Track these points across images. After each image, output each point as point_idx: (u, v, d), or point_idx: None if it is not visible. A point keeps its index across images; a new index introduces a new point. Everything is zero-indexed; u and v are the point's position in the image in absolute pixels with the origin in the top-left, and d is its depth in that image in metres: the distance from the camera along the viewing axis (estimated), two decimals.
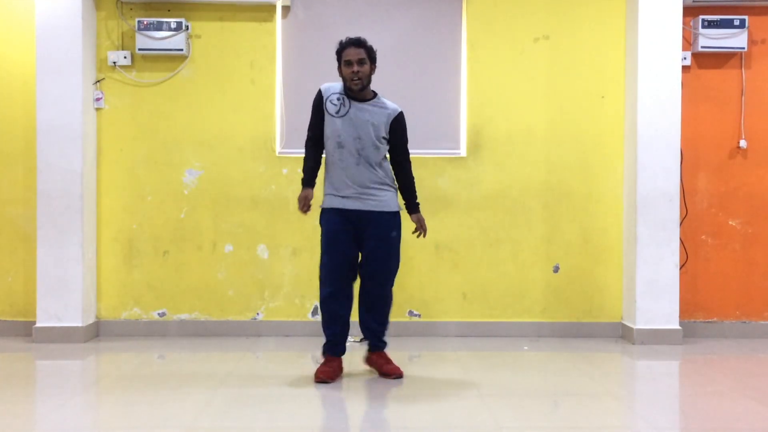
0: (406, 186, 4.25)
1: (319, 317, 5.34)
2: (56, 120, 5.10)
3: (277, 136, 5.43)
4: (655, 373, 4.65)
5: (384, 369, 4.21)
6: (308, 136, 4.20)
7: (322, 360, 4.22)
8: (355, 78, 4.01)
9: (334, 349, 4.18)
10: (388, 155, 4.22)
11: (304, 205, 4.08)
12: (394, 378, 4.17)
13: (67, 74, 5.10)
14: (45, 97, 5.11)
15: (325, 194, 4.15)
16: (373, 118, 4.07)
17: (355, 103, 4.08)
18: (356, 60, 4.01)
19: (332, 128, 4.07)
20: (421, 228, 4.25)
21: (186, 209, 5.39)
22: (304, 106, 5.43)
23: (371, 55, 4.08)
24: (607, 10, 5.42)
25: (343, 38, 4.10)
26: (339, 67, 4.10)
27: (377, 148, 4.07)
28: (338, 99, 4.09)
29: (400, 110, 4.17)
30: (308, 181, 4.13)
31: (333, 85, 4.17)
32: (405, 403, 3.79)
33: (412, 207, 4.26)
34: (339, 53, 4.09)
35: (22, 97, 5.32)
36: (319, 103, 4.14)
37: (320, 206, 4.19)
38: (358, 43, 4.06)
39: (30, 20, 5.22)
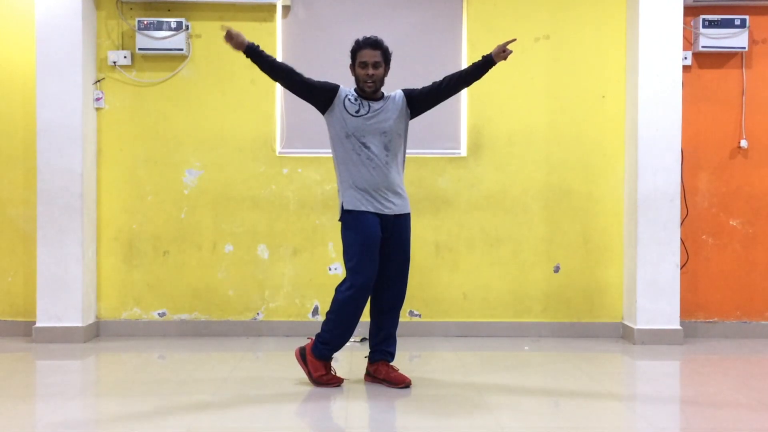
0: (463, 71, 4.05)
1: (319, 317, 5.35)
2: (56, 120, 5.10)
3: (277, 136, 5.43)
4: (656, 373, 4.65)
5: (392, 376, 4.05)
6: (302, 76, 3.97)
7: (318, 362, 4.02)
8: (369, 81, 3.93)
9: (331, 354, 4.08)
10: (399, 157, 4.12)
11: (235, 36, 3.85)
12: (402, 387, 4.00)
13: (67, 74, 5.10)
14: (45, 97, 5.10)
15: (354, 195, 3.95)
16: (392, 113, 3.99)
17: (371, 104, 3.99)
18: (372, 63, 3.93)
19: (353, 126, 3.93)
20: (504, 48, 3.97)
21: (186, 209, 5.39)
22: (304, 106, 5.41)
23: (387, 57, 4.00)
24: (607, 9, 5.42)
25: (360, 37, 4.00)
26: (352, 66, 4.01)
27: (400, 136, 4.02)
28: (356, 99, 3.99)
29: (401, 90, 4.09)
30: (256, 47, 3.91)
31: (347, 88, 4.07)
32: (405, 403, 3.79)
33: (486, 58, 4.02)
34: (354, 52, 3.98)
35: (22, 97, 5.31)
36: (333, 90, 3.97)
37: (346, 207, 3.96)
38: (375, 44, 3.95)
39: (30, 20, 5.22)
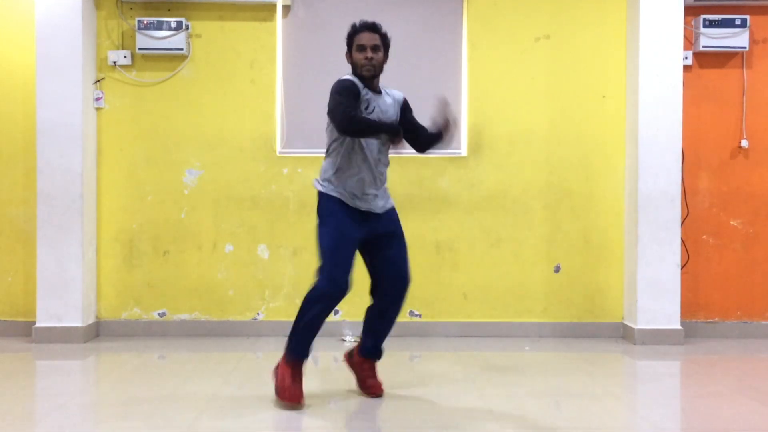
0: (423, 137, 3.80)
1: None
2: (56, 120, 5.10)
3: (278, 135, 5.43)
4: (656, 373, 4.64)
5: (368, 382, 3.85)
6: (353, 113, 3.51)
7: (286, 367, 3.65)
8: (368, 64, 3.62)
9: (305, 353, 3.69)
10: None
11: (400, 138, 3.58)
12: (373, 396, 3.82)
13: (67, 74, 5.10)
14: (45, 97, 5.10)
15: (332, 184, 3.67)
16: (392, 108, 3.75)
17: (374, 96, 3.68)
18: (371, 45, 3.62)
19: None
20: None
21: (186, 209, 5.39)
22: (304, 105, 5.46)
23: (386, 42, 3.70)
24: (608, 9, 5.41)
25: (357, 21, 3.73)
26: (348, 53, 3.71)
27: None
28: (364, 93, 3.64)
29: (404, 95, 3.86)
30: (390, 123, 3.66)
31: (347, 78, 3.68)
32: (405, 403, 3.78)
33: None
34: (351, 37, 3.69)
35: (22, 97, 5.31)
36: (357, 89, 3.59)
37: (323, 190, 3.68)
38: (374, 27, 3.68)
39: (30, 20, 5.22)
